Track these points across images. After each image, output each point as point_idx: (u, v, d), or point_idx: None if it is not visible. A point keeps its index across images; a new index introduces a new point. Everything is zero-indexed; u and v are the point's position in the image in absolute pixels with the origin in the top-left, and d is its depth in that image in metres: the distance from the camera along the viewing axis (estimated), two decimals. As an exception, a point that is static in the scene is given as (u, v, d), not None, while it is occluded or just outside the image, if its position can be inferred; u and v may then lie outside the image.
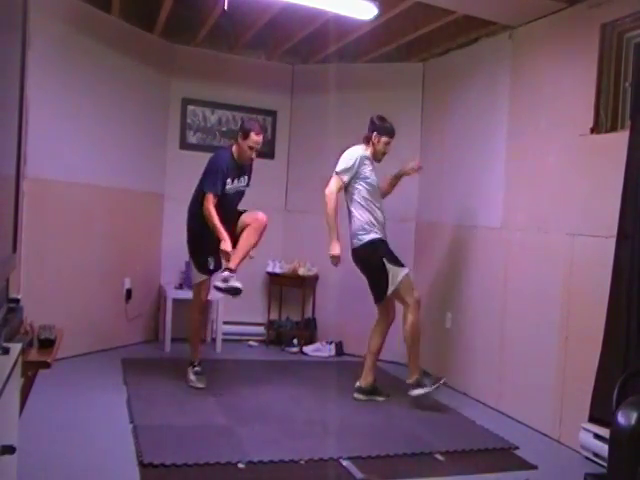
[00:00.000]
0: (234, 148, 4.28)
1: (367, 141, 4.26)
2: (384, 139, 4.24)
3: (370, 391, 4.25)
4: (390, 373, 5.04)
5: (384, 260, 4.10)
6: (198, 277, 4.34)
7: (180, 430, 3.38)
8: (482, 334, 4.42)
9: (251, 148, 4.19)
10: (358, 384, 4.27)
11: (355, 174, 4.16)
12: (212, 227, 4.09)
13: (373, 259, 4.14)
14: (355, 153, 4.19)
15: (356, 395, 4.23)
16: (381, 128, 4.24)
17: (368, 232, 4.14)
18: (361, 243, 4.15)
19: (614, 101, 3.60)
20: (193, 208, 4.27)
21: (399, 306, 4.25)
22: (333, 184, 4.15)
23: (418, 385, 4.10)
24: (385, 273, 4.09)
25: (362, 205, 4.18)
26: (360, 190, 4.19)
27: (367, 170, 4.20)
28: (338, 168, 4.18)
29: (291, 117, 6.00)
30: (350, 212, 4.23)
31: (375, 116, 4.28)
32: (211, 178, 4.16)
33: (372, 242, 4.14)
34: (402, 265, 4.15)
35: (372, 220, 4.18)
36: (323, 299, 5.79)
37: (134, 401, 3.78)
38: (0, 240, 1.48)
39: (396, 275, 4.08)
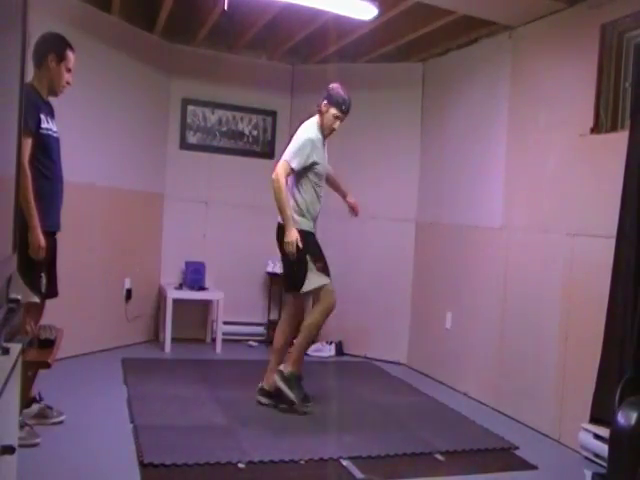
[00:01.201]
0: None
1: (318, 109, 3.87)
2: (333, 111, 3.81)
3: (272, 395, 3.89)
4: (391, 373, 5.04)
5: (308, 259, 3.73)
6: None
7: (180, 430, 3.38)
8: (482, 334, 4.42)
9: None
10: (261, 385, 3.94)
11: (305, 162, 3.75)
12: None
13: (301, 250, 3.72)
14: (307, 138, 3.78)
15: (259, 398, 3.90)
16: (332, 97, 3.82)
17: (301, 217, 3.78)
18: (299, 226, 3.76)
19: (614, 101, 3.60)
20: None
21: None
22: (281, 170, 3.71)
23: (286, 382, 3.75)
24: (304, 269, 3.72)
25: (306, 191, 3.81)
26: (308, 177, 3.81)
27: (318, 154, 3.80)
28: (288, 155, 3.76)
29: (291, 117, 5.99)
30: (293, 190, 3.82)
31: (332, 85, 3.89)
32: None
33: (309, 234, 3.80)
34: (328, 274, 3.79)
35: (310, 209, 3.81)
36: (323, 299, 5.78)
37: (134, 401, 3.78)
38: (0, 240, 1.47)
39: (316, 281, 3.74)
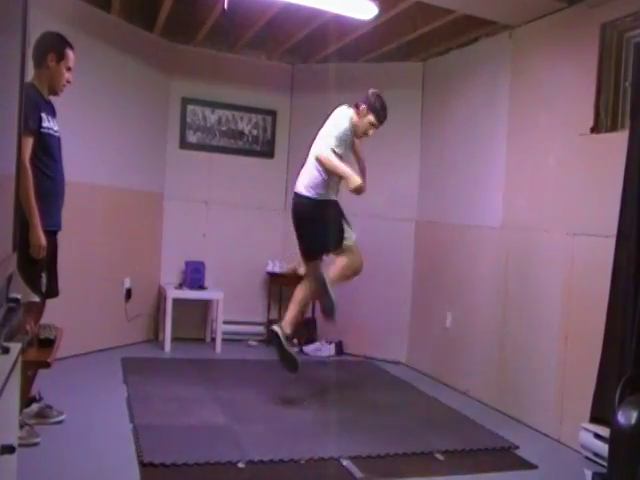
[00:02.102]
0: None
1: (356, 108, 3.97)
2: (370, 118, 3.94)
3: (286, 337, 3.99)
4: (391, 373, 5.04)
5: (342, 221, 4.00)
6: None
7: (180, 430, 3.38)
8: (482, 334, 4.42)
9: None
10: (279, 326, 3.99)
11: (345, 148, 3.94)
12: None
13: (331, 215, 3.96)
14: (347, 127, 3.91)
15: (275, 328, 3.96)
16: (373, 105, 3.94)
17: (328, 192, 3.96)
18: (321, 198, 3.94)
19: (614, 101, 3.60)
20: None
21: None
22: (326, 151, 3.85)
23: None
24: (340, 232, 3.97)
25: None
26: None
27: (349, 141, 3.99)
28: (333, 141, 3.85)
29: (291, 117, 6.00)
30: (316, 168, 3.93)
31: (373, 91, 3.99)
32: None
33: (334, 202, 4.01)
34: (352, 230, 4.07)
35: (335, 185, 3.99)
36: (323, 299, 5.78)
37: (134, 401, 3.78)
38: (0, 240, 1.47)
39: (350, 236, 4.01)
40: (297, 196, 4.03)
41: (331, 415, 3.86)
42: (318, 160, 3.89)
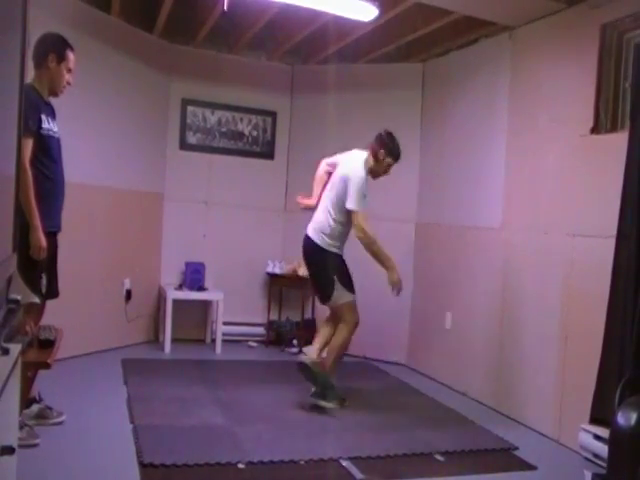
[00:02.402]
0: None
1: (373, 154, 4.01)
2: (389, 160, 4.02)
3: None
4: (390, 374, 5.04)
5: (335, 278, 3.96)
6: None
7: (180, 430, 3.38)
8: (482, 334, 4.42)
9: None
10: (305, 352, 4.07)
11: (365, 200, 3.97)
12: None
13: (329, 269, 4.00)
14: (363, 177, 3.94)
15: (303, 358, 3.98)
16: (390, 148, 4.01)
17: (338, 246, 4.03)
18: (328, 248, 4.00)
19: (614, 101, 3.60)
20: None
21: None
22: (363, 222, 3.87)
23: (322, 395, 3.93)
24: (331, 287, 3.97)
25: (347, 222, 3.98)
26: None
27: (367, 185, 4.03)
28: (357, 204, 3.87)
29: (291, 117, 6.00)
30: (332, 220, 3.98)
31: (385, 132, 4.04)
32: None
33: (337, 256, 4.03)
34: (352, 290, 4.03)
35: (344, 240, 4.07)
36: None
37: (134, 401, 3.78)
38: (0, 240, 1.48)
39: (341, 296, 3.97)
40: (305, 237, 4.10)
41: (331, 416, 3.86)
42: (359, 239, 3.92)
